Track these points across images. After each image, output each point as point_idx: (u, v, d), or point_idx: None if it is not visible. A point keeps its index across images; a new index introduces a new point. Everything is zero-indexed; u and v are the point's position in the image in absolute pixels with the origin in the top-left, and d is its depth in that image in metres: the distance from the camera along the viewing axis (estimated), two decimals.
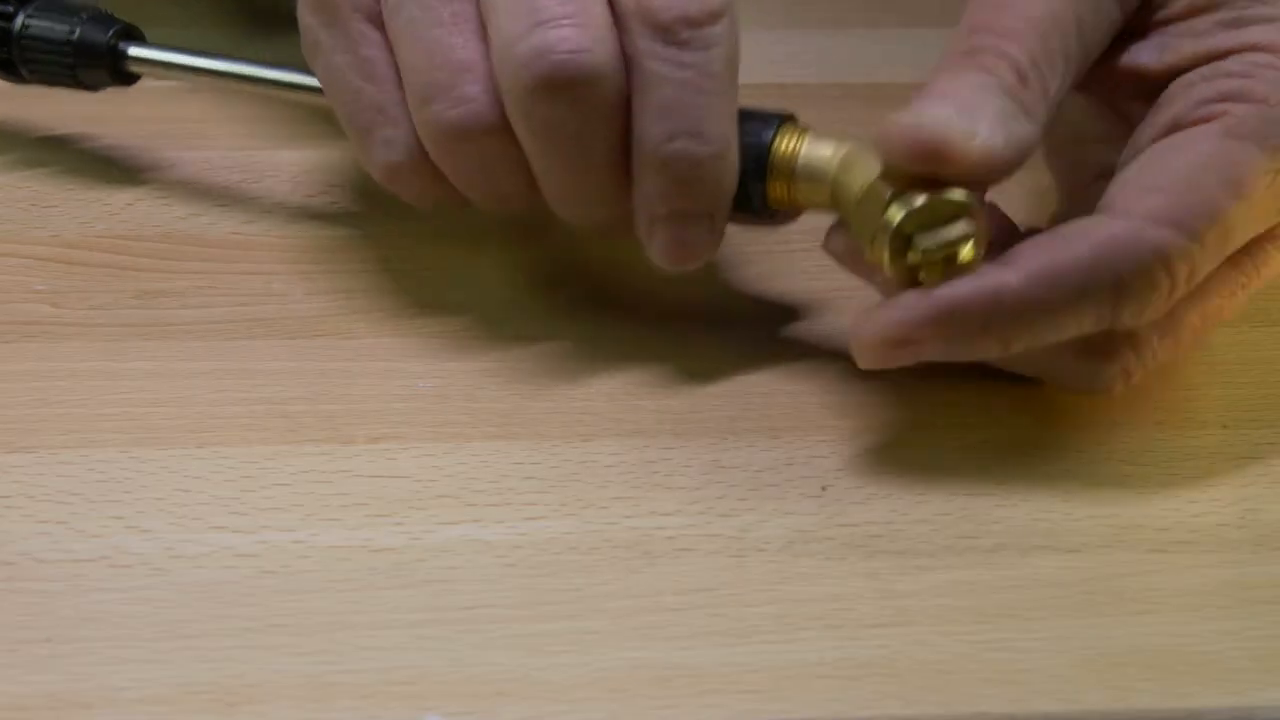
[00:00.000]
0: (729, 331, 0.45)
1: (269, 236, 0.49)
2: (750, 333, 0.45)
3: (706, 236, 0.43)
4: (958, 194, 0.39)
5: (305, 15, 0.44)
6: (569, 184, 0.43)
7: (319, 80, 0.45)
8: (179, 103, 0.53)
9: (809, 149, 0.42)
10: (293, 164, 0.52)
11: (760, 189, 0.42)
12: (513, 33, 0.41)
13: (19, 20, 0.50)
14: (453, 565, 0.39)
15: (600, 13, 0.41)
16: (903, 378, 0.44)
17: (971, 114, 0.39)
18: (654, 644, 0.37)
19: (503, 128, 0.42)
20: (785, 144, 0.42)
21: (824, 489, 0.41)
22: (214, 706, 0.35)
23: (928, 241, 0.39)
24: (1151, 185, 0.39)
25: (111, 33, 0.49)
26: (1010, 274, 0.39)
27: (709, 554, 0.39)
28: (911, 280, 0.39)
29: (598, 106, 0.41)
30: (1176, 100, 0.41)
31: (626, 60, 0.41)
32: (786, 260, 0.48)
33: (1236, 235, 0.40)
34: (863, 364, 0.40)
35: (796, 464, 0.42)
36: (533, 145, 0.42)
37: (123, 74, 0.50)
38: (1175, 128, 0.41)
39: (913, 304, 0.39)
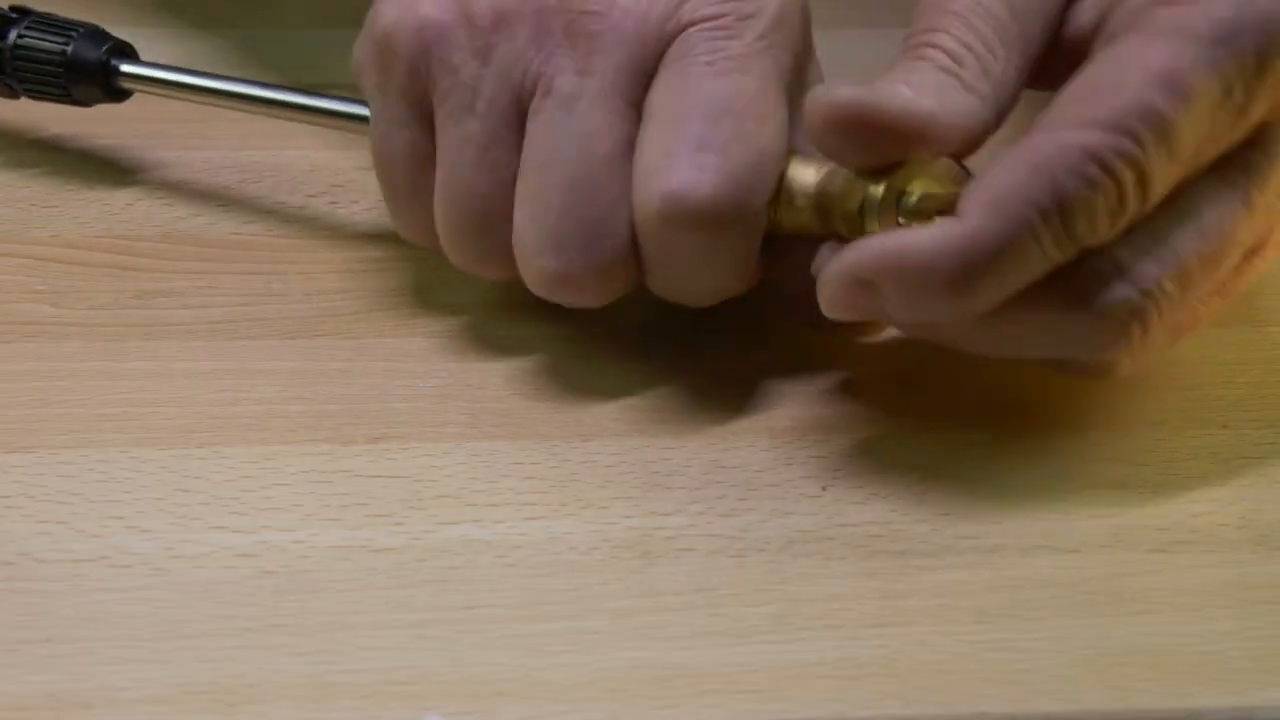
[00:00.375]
0: (729, 331, 0.45)
1: (269, 236, 0.49)
2: (750, 333, 0.45)
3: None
4: (938, 164, 0.40)
5: (358, 51, 0.44)
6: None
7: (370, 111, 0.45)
8: (179, 103, 0.53)
9: (793, 171, 0.42)
10: (293, 164, 0.52)
11: None
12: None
13: (12, 36, 0.50)
14: (453, 565, 0.39)
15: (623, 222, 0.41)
16: (903, 378, 0.44)
17: (898, 86, 0.39)
18: (654, 644, 0.37)
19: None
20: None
21: (824, 489, 0.41)
22: (214, 706, 0.35)
23: (907, 204, 0.39)
24: (1077, 95, 0.38)
25: (104, 49, 0.49)
26: (962, 218, 0.38)
27: (709, 554, 0.39)
28: None
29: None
30: (1111, 19, 0.40)
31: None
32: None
33: (1185, 137, 0.38)
34: (826, 309, 0.40)
35: (796, 464, 0.42)
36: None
37: (115, 90, 0.50)
38: (1110, 42, 0.39)
39: (869, 244, 0.38)
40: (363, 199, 0.50)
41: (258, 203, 0.51)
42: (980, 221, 0.37)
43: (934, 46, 0.40)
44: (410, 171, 0.43)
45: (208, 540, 0.39)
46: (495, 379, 0.44)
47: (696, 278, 0.42)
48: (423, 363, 0.45)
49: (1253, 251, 0.40)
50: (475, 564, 0.39)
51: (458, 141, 0.42)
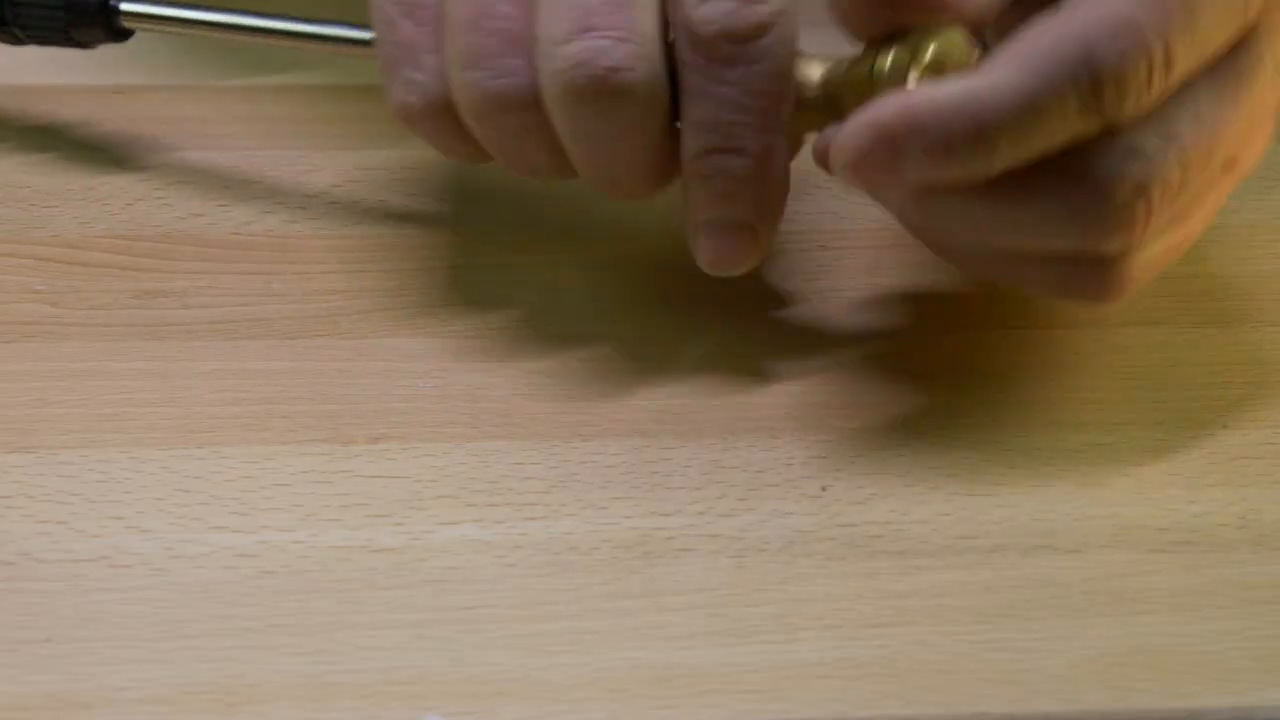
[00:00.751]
0: (730, 331, 0.45)
1: (269, 236, 0.49)
2: (750, 333, 0.45)
3: (749, 246, 0.42)
4: (951, 30, 0.40)
5: None
6: (602, 171, 0.42)
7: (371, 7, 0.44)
8: (180, 102, 0.53)
9: (800, 69, 0.41)
10: (293, 164, 0.52)
11: None
12: (558, 32, 0.40)
13: None
14: (453, 565, 0.39)
15: (649, 25, 0.40)
16: (903, 378, 0.44)
17: None
18: (654, 644, 0.37)
19: (540, 106, 0.41)
20: None
21: (824, 489, 0.41)
22: (214, 706, 0.35)
23: (922, 60, 0.39)
24: None
25: None
26: (986, 72, 0.38)
27: (709, 554, 0.39)
28: None
29: (635, 118, 0.41)
30: None
31: (675, 67, 0.41)
32: (787, 260, 0.48)
33: (1206, 21, 0.38)
34: (845, 179, 0.39)
35: (796, 464, 0.42)
36: (568, 135, 0.42)
37: (116, 30, 0.50)
38: None
39: (891, 99, 0.38)
40: (363, 199, 0.50)
41: (258, 203, 0.51)
42: (1008, 76, 0.37)
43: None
44: (414, 25, 0.43)
45: (208, 540, 0.39)
46: (495, 379, 0.44)
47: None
48: (423, 363, 0.45)
49: (1231, 163, 0.41)
50: (475, 564, 0.39)
51: None
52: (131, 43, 0.51)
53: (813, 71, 0.41)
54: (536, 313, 0.46)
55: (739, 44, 0.40)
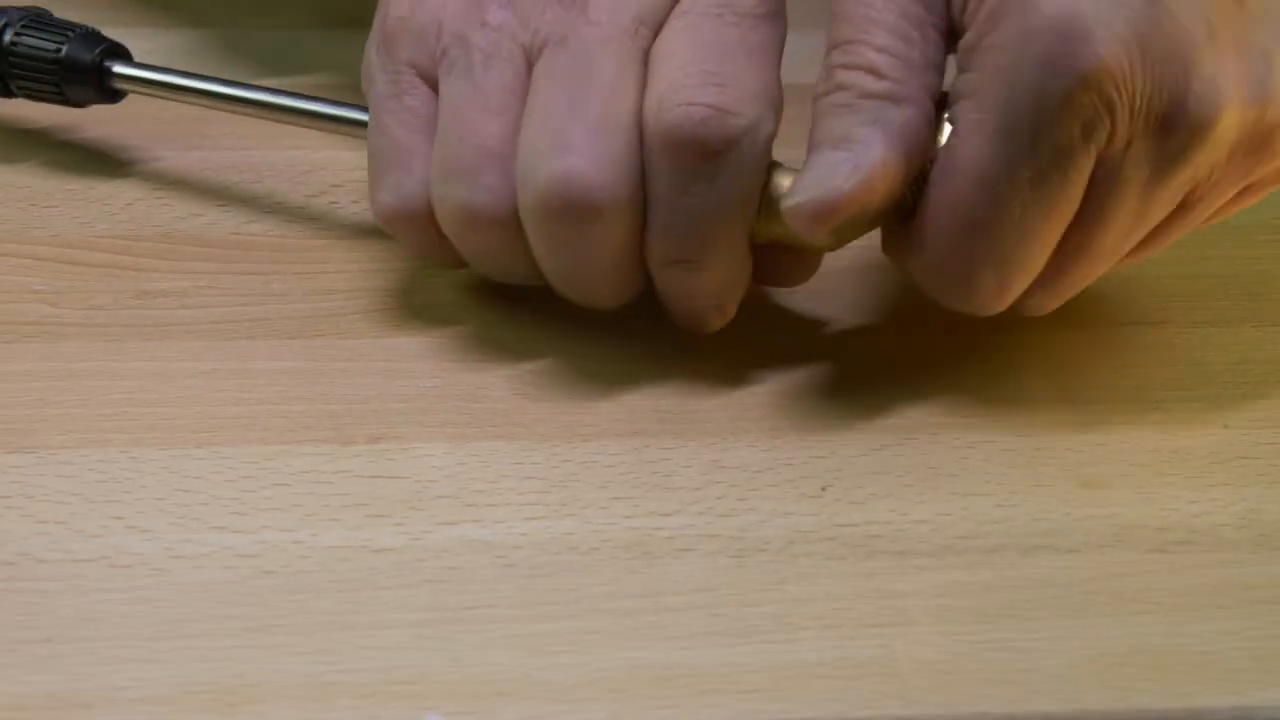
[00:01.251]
0: (729, 332, 0.45)
1: (269, 236, 0.49)
2: (750, 333, 0.45)
3: (715, 317, 0.44)
4: None
5: (370, 49, 0.45)
6: (574, 283, 0.44)
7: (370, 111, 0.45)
8: (180, 103, 0.53)
9: (775, 179, 0.42)
10: (293, 164, 0.52)
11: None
12: (536, 148, 0.41)
13: (7, 36, 0.50)
14: (453, 565, 0.39)
15: (624, 143, 0.41)
16: (903, 378, 0.44)
17: (838, 157, 0.40)
18: (654, 644, 0.37)
19: (515, 223, 0.42)
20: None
21: (824, 489, 0.41)
22: (214, 706, 0.35)
23: None
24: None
25: (98, 51, 0.50)
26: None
27: (709, 554, 0.39)
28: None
29: (606, 233, 0.42)
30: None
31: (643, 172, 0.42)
32: None
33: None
34: (808, 234, 0.41)
35: (796, 464, 0.42)
36: (541, 249, 0.43)
37: (108, 91, 0.50)
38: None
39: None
40: (363, 199, 0.50)
41: (258, 203, 0.51)
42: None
43: (849, 68, 0.41)
44: (407, 132, 0.44)
45: (208, 540, 0.39)
46: (495, 379, 0.44)
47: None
48: (423, 363, 0.45)
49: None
50: (475, 564, 0.39)
51: (468, 89, 0.42)
52: (130, 43, 0.51)
53: (784, 181, 0.42)
54: (537, 313, 0.46)
55: (708, 160, 0.41)
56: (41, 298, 0.46)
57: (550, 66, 0.42)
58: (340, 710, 0.35)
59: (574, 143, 0.41)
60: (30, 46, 0.50)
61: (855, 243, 0.43)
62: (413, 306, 0.46)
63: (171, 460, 0.41)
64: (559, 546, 0.39)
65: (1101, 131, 0.39)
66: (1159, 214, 0.41)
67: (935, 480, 0.41)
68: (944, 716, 0.36)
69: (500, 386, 0.44)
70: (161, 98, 0.50)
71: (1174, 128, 0.39)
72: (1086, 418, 0.43)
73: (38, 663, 0.36)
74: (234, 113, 0.49)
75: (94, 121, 0.53)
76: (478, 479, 0.41)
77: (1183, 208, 0.41)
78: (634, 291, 0.44)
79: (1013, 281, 0.41)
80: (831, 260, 0.45)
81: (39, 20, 0.51)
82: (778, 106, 0.42)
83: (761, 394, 0.44)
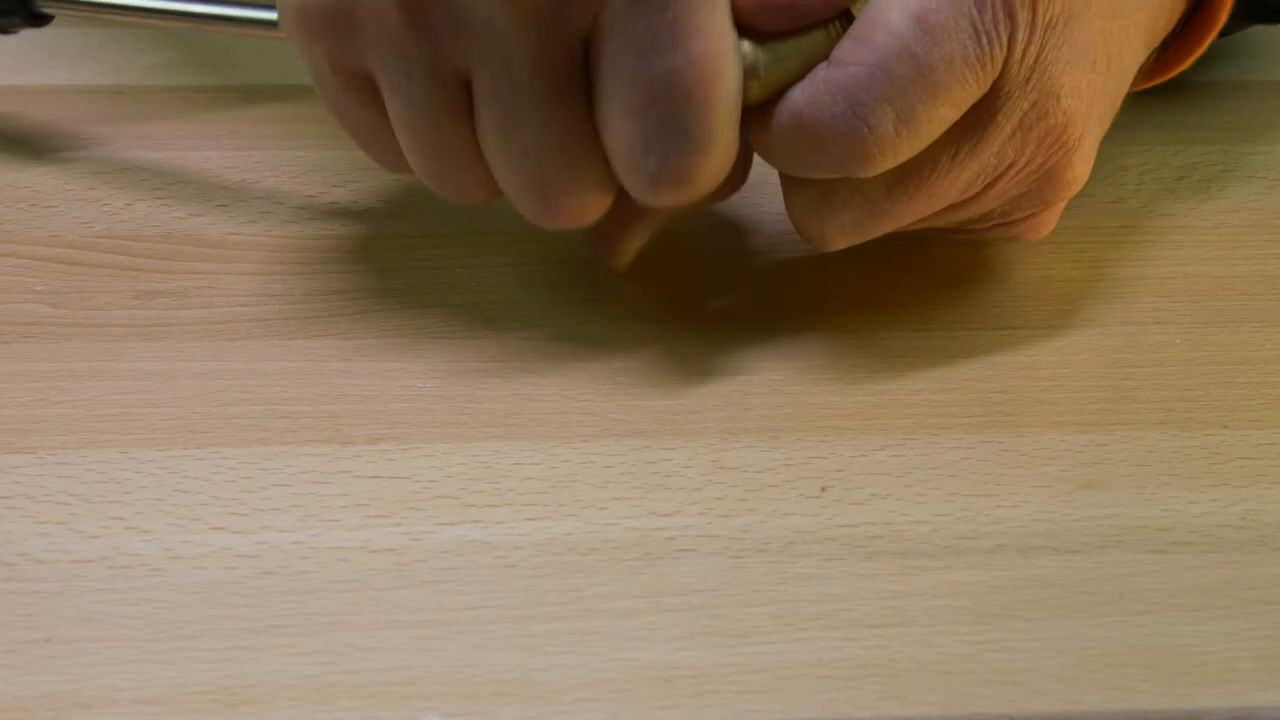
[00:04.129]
0: (729, 332, 0.45)
1: (269, 236, 0.49)
2: (750, 333, 0.45)
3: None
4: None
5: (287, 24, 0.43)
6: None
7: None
8: (180, 103, 0.53)
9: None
10: (293, 164, 0.52)
11: None
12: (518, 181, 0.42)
13: None
14: (452, 566, 0.39)
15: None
16: (902, 377, 0.44)
17: None
18: (654, 644, 0.37)
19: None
20: None
21: (824, 489, 0.41)
22: (214, 706, 0.35)
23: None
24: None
25: None
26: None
27: (709, 554, 0.39)
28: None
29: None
30: None
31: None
32: (786, 260, 0.48)
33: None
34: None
35: (796, 464, 0.42)
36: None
37: (34, 15, 0.50)
38: None
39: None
40: (363, 199, 0.50)
41: (258, 203, 0.51)
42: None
43: None
44: (368, 119, 0.43)
45: (207, 541, 0.39)
46: (495, 379, 0.44)
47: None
48: (423, 363, 0.45)
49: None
50: (475, 564, 0.39)
51: (410, 102, 0.41)
52: (131, 43, 0.51)
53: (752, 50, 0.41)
54: (537, 313, 0.46)
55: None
56: (41, 298, 0.46)
57: None
58: (340, 711, 0.35)
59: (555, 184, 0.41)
60: None
61: (856, 249, 0.43)
62: (413, 306, 0.46)
63: (171, 461, 0.41)
64: (559, 547, 0.39)
65: None
66: None
67: (935, 480, 0.41)
68: (943, 717, 0.36)
69: (500, 386, 0.44)
70: (89, 16, 0.50)
71: None
72: (1086, 418, 0.43)
73: (37, 663, 0.36)
74: (161, 27, 0.48)
75: (93, 122, 0.53)
76: (478, 479, 0.41)
77: None
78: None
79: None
80: (832, 262, 0.45)
81: None
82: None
83: (761, 394, 0.44)
